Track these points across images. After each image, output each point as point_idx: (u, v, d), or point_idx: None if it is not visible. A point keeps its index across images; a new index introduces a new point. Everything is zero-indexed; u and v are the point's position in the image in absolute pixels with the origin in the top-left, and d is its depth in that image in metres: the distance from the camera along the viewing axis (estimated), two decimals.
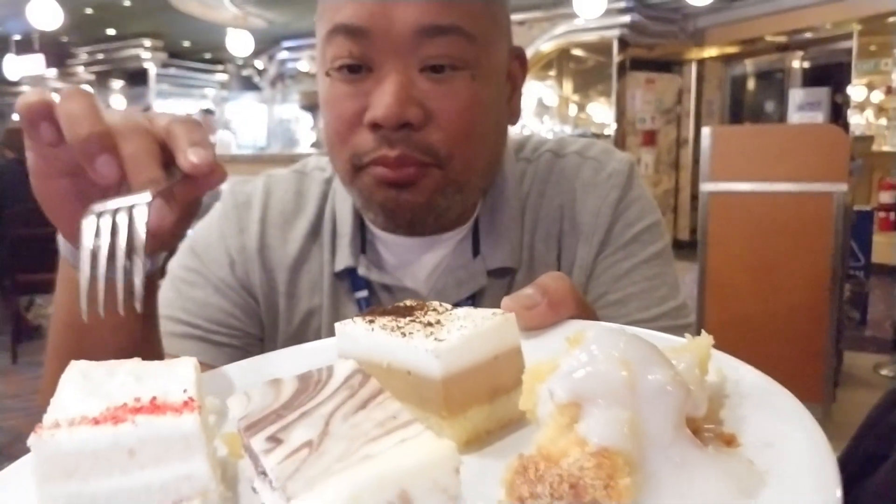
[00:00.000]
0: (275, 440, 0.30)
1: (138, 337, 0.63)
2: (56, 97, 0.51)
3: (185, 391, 0.35)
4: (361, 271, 0.82)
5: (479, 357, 0.43)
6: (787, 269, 3.03)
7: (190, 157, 0.50)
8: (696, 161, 8.57)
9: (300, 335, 0.85)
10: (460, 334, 0.42)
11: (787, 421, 0.35)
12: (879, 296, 5.56)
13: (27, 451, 0.34)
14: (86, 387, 0.36)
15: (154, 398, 0.34)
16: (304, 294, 0.85)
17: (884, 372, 4.01)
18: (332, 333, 0.56)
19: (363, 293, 0.83)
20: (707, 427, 0.37)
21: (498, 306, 0.52)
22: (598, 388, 0.31)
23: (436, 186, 0.73)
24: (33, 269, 4.38)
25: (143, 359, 0.61)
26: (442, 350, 0.41)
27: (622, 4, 8.16)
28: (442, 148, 0.71)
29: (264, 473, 0.29)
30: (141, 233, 0.47)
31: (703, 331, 0.41)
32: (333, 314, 0.84)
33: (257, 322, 0.86)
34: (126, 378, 0.37)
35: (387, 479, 0.27)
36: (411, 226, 0.77)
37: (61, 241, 0.60)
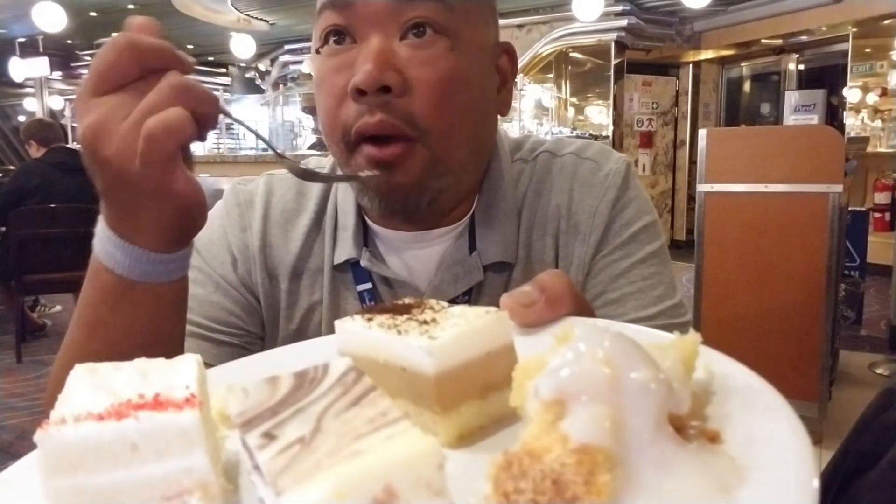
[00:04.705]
0: (269, 436, 0.31)
1: (165, 340, 0.62)
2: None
3: (187, 387, 0.36)
4: (364, 263, 0.83)
5: (472, 354, 0.44)
6: (783, 269, 3.04)
7: None
8: (692, 162, 8.60)
9: (301, 333, 0.86)
10: (453, 332, 0.43)
11: (771, 417, 0.35)
12: (874, 295, 5.59)
13: (32, 449, 0.35)
14: (92, 383, 0.37)
15: (157, 394, 0.35)
16: (304, 291, 0.86)
17: (879, 371, 4.03)
18: (331, 329, 0.56)
19: (367, 285, 0.84)
20: (692, 424, 0.37)
21: (495, 301, 0.52)
22: (582, 385, 0.32)
23: (422, 167, 0.74)
24: (38, 269, 4.41)
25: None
26: (434, 348, 0.42)
27: (619, 8, 8.18)
28: (421, 118, 0.72)
29: (258, 468, 0.30)
30: None
31: (691, 329, 0.42)
32: (333, 309, 0.85)
33: (258, 321, 0.87)
34: (132, 375, 0.38)
35: (372, 473, 0.27)
36: (406, 211, 0.78)
37: (107, 238, 0.57)
